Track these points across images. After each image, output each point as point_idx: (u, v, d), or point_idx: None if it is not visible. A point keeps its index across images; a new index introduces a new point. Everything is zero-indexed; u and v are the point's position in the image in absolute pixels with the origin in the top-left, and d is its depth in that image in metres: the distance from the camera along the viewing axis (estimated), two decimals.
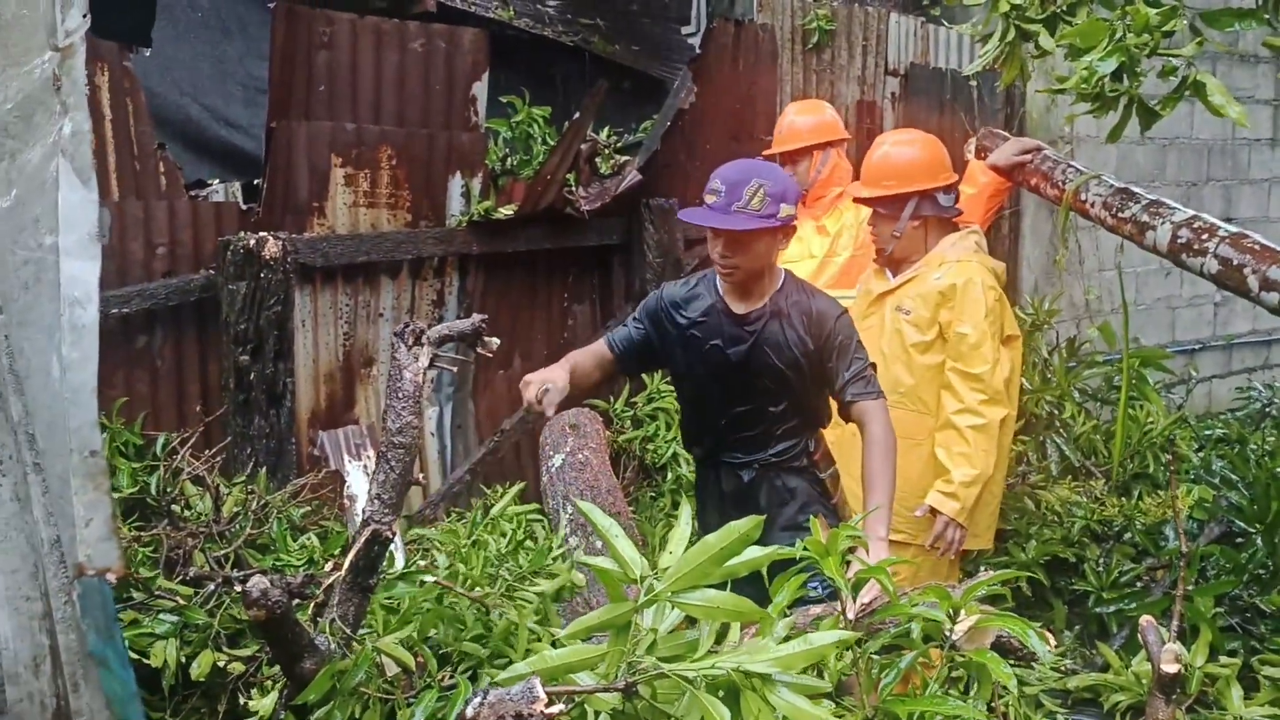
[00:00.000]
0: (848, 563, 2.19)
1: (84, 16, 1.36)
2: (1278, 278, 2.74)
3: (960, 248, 3.42)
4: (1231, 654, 3.14)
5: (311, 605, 3.08)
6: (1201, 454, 4.85)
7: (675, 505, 4.32)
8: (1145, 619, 2.41)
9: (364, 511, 2.34)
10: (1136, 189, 3.42)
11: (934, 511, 3.27)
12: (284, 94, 4.13)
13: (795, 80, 5.50)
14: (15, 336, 1.44)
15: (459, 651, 2.43)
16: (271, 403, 3.94)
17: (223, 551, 3.43)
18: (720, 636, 1.92)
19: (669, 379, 4.81)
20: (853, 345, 2.84)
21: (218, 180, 4.48)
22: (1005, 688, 2.35)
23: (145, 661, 3.03)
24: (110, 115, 3.81)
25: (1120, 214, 3.32)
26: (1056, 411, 4.75)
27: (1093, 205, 3.45)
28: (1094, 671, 3.23)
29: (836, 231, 4.11)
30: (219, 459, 3.76)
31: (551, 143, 4.90)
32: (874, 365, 2.90)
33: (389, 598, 2.69)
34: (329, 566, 3.27)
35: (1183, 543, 2.70)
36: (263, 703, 2.47)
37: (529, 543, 3.65)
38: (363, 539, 2.29)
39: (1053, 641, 2.24)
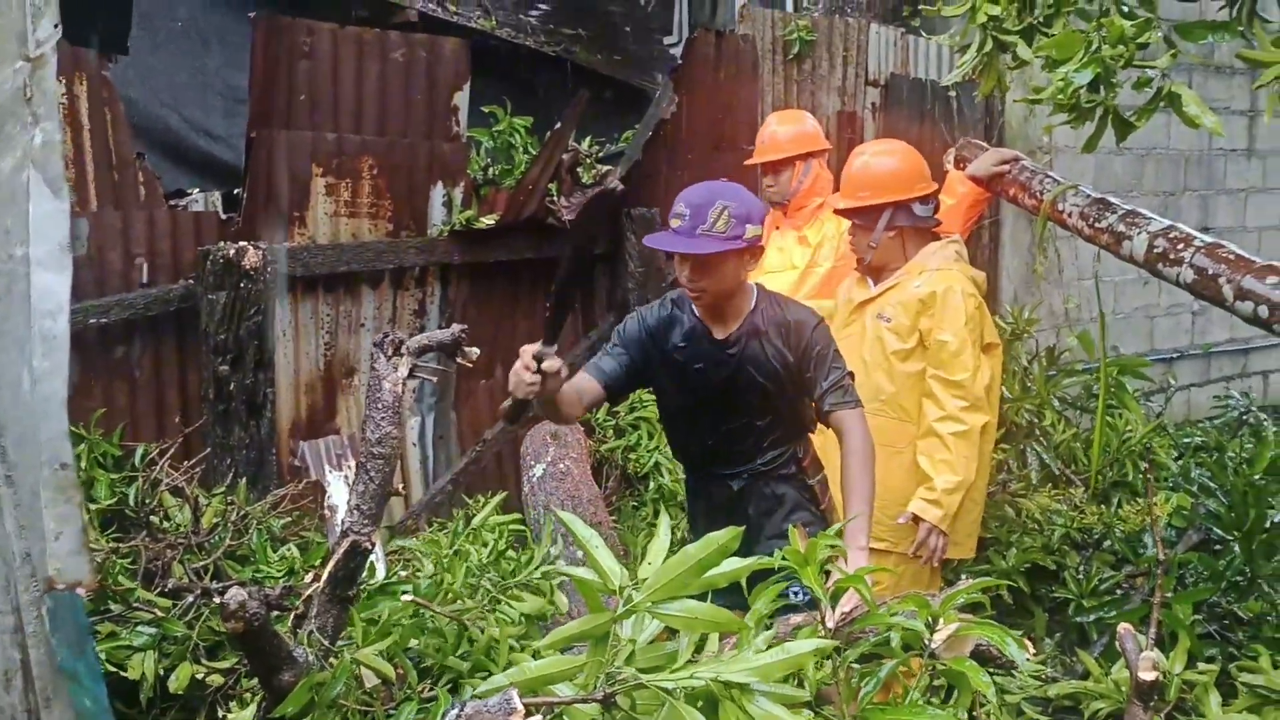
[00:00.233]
0: (827, 572, 2.20)
1: (55, 26, 1.35)
2: (1252, 287, 2.76)
3: (941, 256, 3.44)
4: (1210, 661, 3.15)
5: (291, 617, 3.07)
6: (1180, 462, 4.88)
7: (658, 515, 4.32)
8: (1123, 627, 2.42)
9: (343, 522, 2.33)
10: (1113, 199, 3.44)
11: (916, 519, 3.27)
12: (264, 103, 4.12)
13: (776, 90, 5.52)
14: None
15: (439, 664, 2.42)
16: (251, 413, 3.92)
17: (202, 563, 3.41)
18: (699, 647, 1.92)
19: (651, 391, 4.81)
20: (830, 354, 2.84)
21: (197, 190, 4.46)
22: (991, 698, 2.36)
23: (123, 674, 3.01)
24: (89, 125, 3.80)
25: (1097, 224, 3.34)
26: (1036, 420, 4.77)
27: (1070, 215, 3.47)
28: (1074, 679, 3.24)
29: (818, 242, 4.11)
30: (198, 470, 3.74)
31: (533, 152, 4.91)
32: (852, 374, 2.90)
33: (368, 611, 2.68)
34: (309, 578, 3.26)
35: (1160, 550, 2.71)
36: (241, 715, 2.45)
37: (511, 553, 3.64)
38: (342, 550, 2.28)
39: (1031, 649, 2.25)
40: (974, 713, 2.37)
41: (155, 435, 3.88)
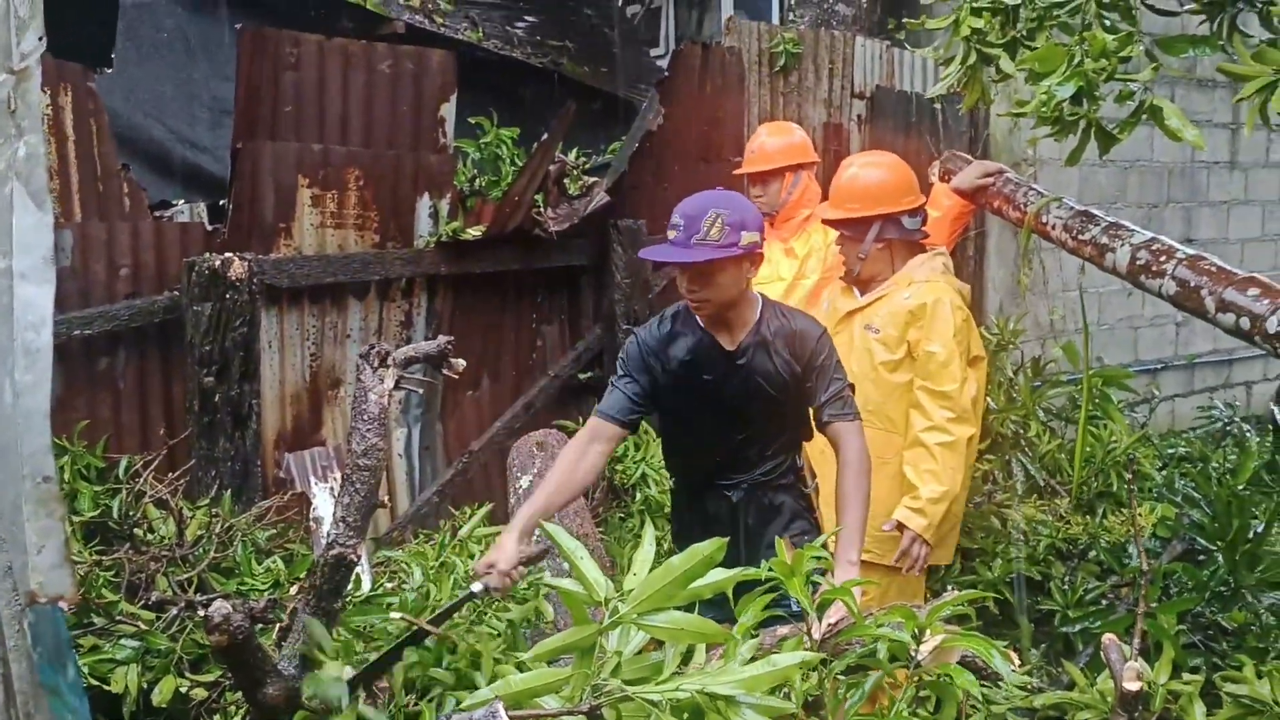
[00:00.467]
0: (815, 584, 2.20)
1: (40, 39, 1.35)
2: (1233, 299, 2.78)
3: (928, 268, 3.45)
4: (1194, 671, 3.16)
5: (276, 629, 3.06)
6: (1164, 472, 4.90)
7: (644, 526, 4.31)
8: (1108, 637, 2.43)
9: (329, 534, 2.32)
10: (1096, 211, 3.47)
11: (901, 527, 3.28)
12: (250, 115, 4.12)
13: (762, 102, 5.54)
14: None
15: (423, 678, 2.40)
16: (237, 425, 3.91)
17: (186, 575, 3.39)
18: (687, 658, 1.92)
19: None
20: (832, 365, 2.85)
21: (182, 201, 4.45)
22: (973, 706, 2.36)
23: (106, 688, 3.00)
24: (73, 136, 3.79)
25: (1080, 236, 3.36)
26: (1022, 430, 4.79)
27: (1054, 228, 3.50)
28: (1060, 690, 3.24)
29: (805, 254, 4.13)
30: (183, 482, 3.73)
31: (520, 164, 4.92)
32: (852, 386, 2.90)
33: (357, 624, 2.67)
34: (294, 590, 3.25)
35: (1143, 560, 2.73)
36: None
37: None
38: (327, 562, 2.27)
39: (1016, 660, 2.26)
40: None
41: (139, 447, 3.86)
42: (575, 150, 5.16)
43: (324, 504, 4.00)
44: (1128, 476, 4.10)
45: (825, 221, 3.60)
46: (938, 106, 6.05)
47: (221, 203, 4.30)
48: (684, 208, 2.73)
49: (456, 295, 4.67)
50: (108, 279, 3.85)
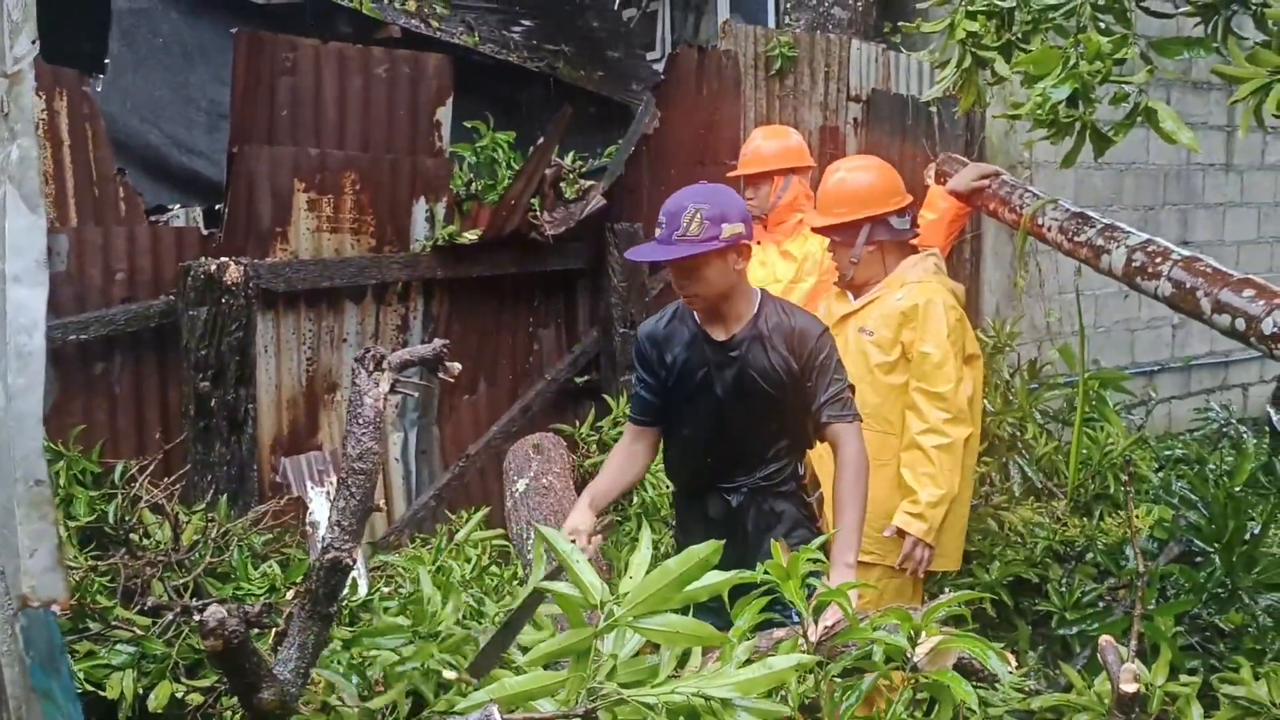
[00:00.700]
0: (812, 588, 2.20)
1: (33, 42, 1.35)
2: (1229, 300, 2.79)
3: (920, 269, 3.46)
4: (1191, 673, 3.16)
5: (273, 634, 3.05)
6: (1161, 474, 4.91)
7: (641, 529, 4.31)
8: (1104, 639, 2.43)
9: (324, 538, 2.31)
10: (1092, 213, 3.47)
11: (901, 532, 3.28)
12: (246, 119, 4.11)
13: (759, 106, 5.55)
14: None
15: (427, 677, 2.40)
16: (233, 429, 3.90)
17: (182, 580, 3.39)
18: (684, 662, 1.91)
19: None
20: (833, 365, 2.83)
21: (179, 206, 4.45)
22: (971, 709, 2.35)
23: (101, 693, 2.99)
24: (69, 141, 3.78)
25: (1076, 238, 3.37)
26: (1018, 433, 4.79)
27: (1049, 229, 3.50)
28: (1057, 692, 3.24)
29: (802, 257, 4.13)
30: (178, 486, 3.72)
31: (516, 167, 4.92)
32: (852, 388, 2.89)
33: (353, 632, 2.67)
34: (290, 595, 3.24)
35: (1140, 562, 2.72)
36: None
37: (494, 568, 3.63)
38: (322, 566, 2.26)
39: (1013, 662, 2.25)
40: None
41: (135, 452, 3.86)
42: (571, 154, 5.16)
43: (320, 508, 3.99)
44: (1124, 478, 4.10)
45: (815, 229, 3.60)
46: (934, 110, 6.06)
47: (217, 207, 4.29)
48: (666, 206, 2.76)
49: (453, 299, 4.66)
50: (103, 283, 3.84)
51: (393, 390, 2.47)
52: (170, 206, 4.45)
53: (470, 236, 4.57)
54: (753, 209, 4.15)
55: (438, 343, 2.51)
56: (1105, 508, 4.52)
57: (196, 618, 2.75)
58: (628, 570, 1.76)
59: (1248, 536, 3.57)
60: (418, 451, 4.65)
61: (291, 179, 4.16)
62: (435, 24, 5.30)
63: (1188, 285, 2.92)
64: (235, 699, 2.52)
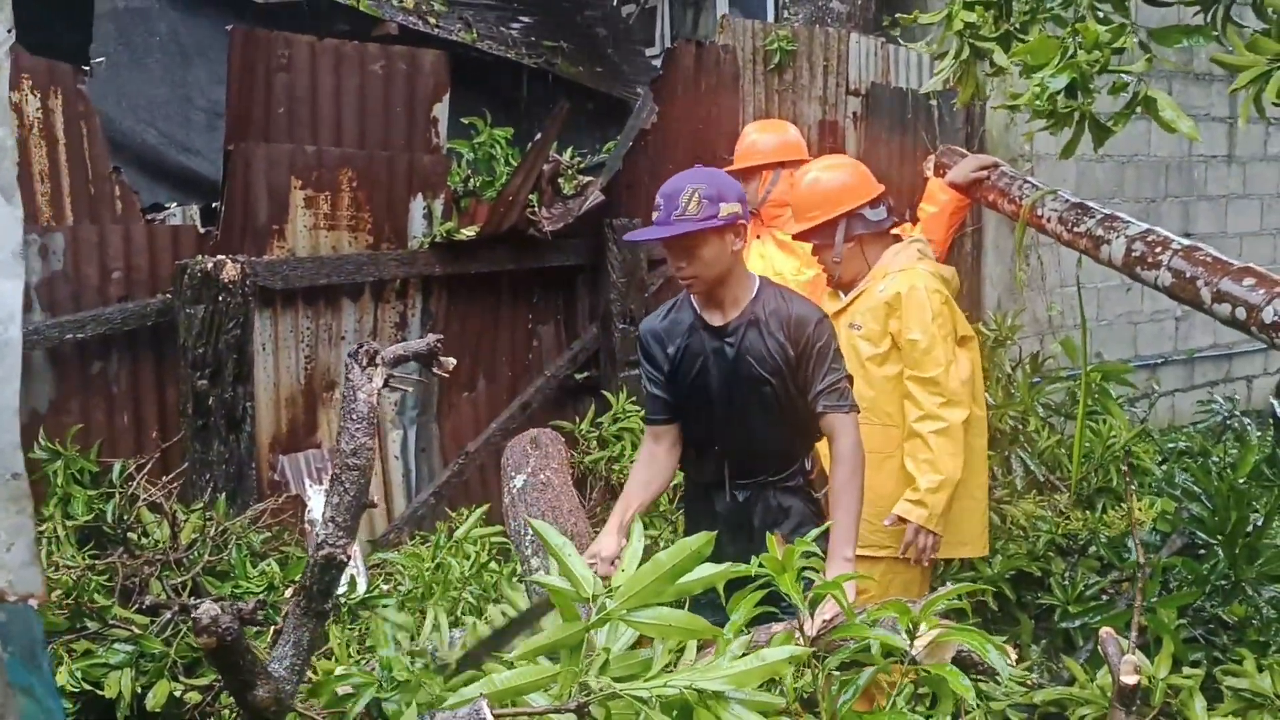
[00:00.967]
0: (810, 581, 2.18)
1: (9, 31, 1.33)
2: (1229, 289, 2.77)
3: (903, 257, 3.45)
4: (1195, 665, 3.14)
5: (272, 632, 3.04)
6: (1164, 467, 4.88)
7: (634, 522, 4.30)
8: (1105, 631, 2.41)
9: (318, 535, 2.30)
10: (1091, 203, 3.45)
11: (904, 520, 3.27)
12: (242, 117, 4.10)
13: (757, 101, 5.52)
14: None
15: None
16: (231, 427, 3.89)
17: (180, 579, 3.38)
18: (681, 654, 1.90)
19: (635, 400, 4.80)
20: (830, 354, 2.82)
21: (175, 204, 4.44)
22: (974, 704, 2.34)
23: (99, 692, 2.98)
24: (64, 139, 3.77)
25: (1075, 228, 3.35)
26: (1021, 426, 4.77)
27: (1049, 220, 3.48)
28: (1060, 685, 3.23)
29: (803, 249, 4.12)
30: (177, 485, 3.72)
31: (514, 164, 4.90)
32: (850, 378, 2.88)
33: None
34: (289, 592, 3.23)
35: (1139, 554, 2.71)
36: None
37: (493, 565, 3.62)
38: (316, 563, 2.25)
39: (1013, 655, 2.24)
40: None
41: (133, 451, 3.85)
42: (570, 150, 5.14)
43: (319, 506, 3.98)
44: (1124, 469, 4.09)
45: (795, 237, 3.61)
46: (934, 103, 6.03)
47: (214, 205, 4.28)
48: (663, 188, 2.78)
49: (451, 296, 4.65)
50: (100, 282, 3.84)
51: (387, 385, 2.45)
52: (167, 205, 4.45)
53: (468, 233, 4.55)
54: None
55: (431, 337, 2.50)
56: (1108, 501, 4.50)
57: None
58: (620, 564, 1.74)
59: (1251, 529, 3.55)
60: (417, 449, 4.63)
61: (288, 176, 4.15)
62: (433, 21, 5.30)
63: (1188, 274, 2.90)
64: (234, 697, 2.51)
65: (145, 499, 3.58)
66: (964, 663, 2.30)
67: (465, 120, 5.07)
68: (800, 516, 2.92)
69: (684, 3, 6.96)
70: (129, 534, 3.46)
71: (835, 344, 2.86)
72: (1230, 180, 7.60)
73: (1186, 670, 3.00)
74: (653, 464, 2.97)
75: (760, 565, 1.97)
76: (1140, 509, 4.18)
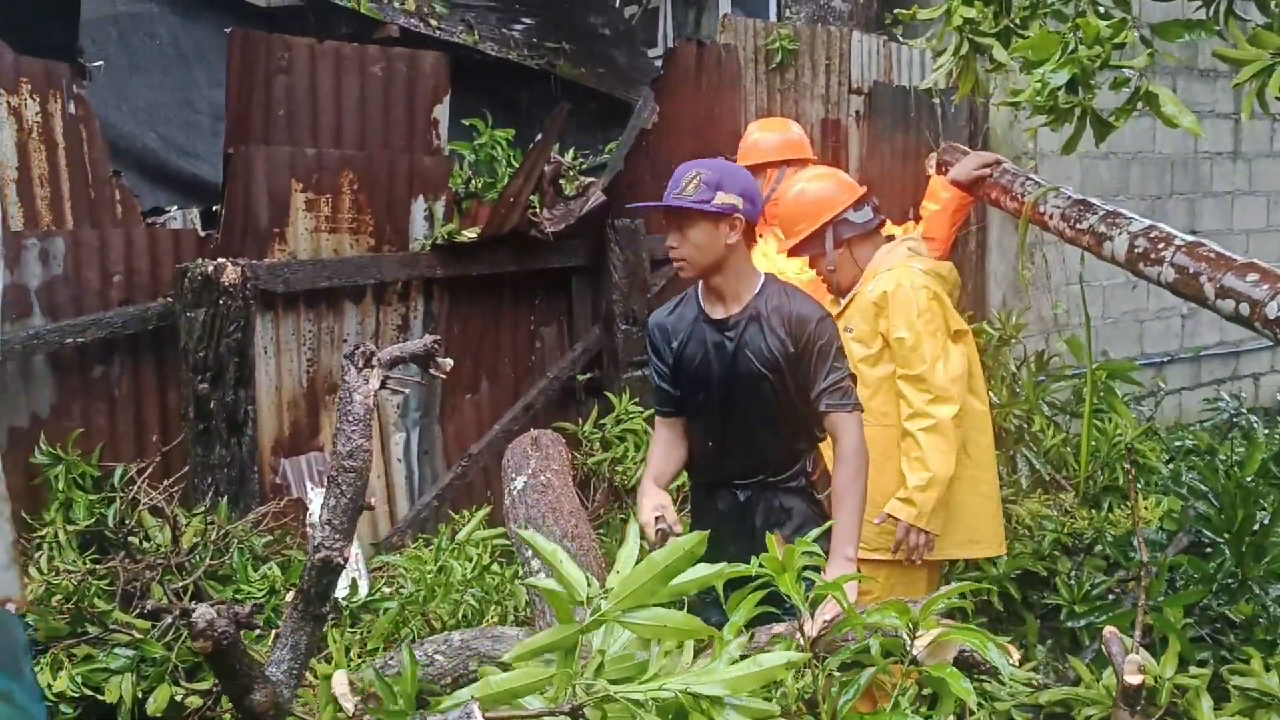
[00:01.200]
0: (810, 581, 2.16)
1: None
2: (1233, 285, 2.74)
3: (894, 255, 3.45)
4: (1201, 664, 3.12)
5: (273, 635, 3.03)
6: (1171, 465, 4.86)
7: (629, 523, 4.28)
8: (1109, 630, 2.39)
9: (314, 538, 2.29)
10: (1094, 200, 3.43)
11: (894, 519, 3.25)
12: (242, 119, 4.10)
13: (759, 100, 5.51)
14: None
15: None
16: (232, 431, 3.88)
17: (181, 583, 3.38)
18: (680, 654, 1.88)
19: (638, 401, 4.79)
20: (832, 352, 2.81)
21: (176, 207, 4.44)
22: (979, 703, 2.32)
23: (100, 697, 2.98)
24: (64, 143, 3.77)
25: (1078, 225, 3.32)
26: (1026, 425, 4.75)
27: (1051, 217, 3.45)
28: (1066, 685, 3.21)
29: None
30: (178, 489, 3.71)
31: (516, 165, 4.89)
32: (853, 376, 2.87)
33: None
34: (290, 596, 3.22)
35: (1142, 553, 2.69)
36: None
37: (495, 567, 3.61)
38: (313, 566, 2.24)
39: (1014, 655, 2.22)
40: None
41: (134, 455, 3.84)
42: (572, 151, 5.13)
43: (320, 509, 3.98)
44: (1127, 468, 4.07)
45: (790, 253, 3.61)
46: (936, 100, 6.01)
47: (215, 208, 4.28)
48: (675, 173, 2.85)
49: (453, 298, 4.64)
50: (101, 286, 3.83)
51: (384, 387, 2.44)
52: (168, 209, 4.45)
53: (470, 235, 4.54)
54: None
55: (428, 338, 2.49)
56: (1114, 499, 4.48)
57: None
58: (615, 564, 1.73)
59: (1258, 527, 3.53)
60: (420, 451, 4.62)
61: (289, 179, 4.14)
62: (434, 23, 5.29)
63: (1191, 270, 2.87)
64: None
65: (146, 503, 3.58)
66: (967, 663, 2.28)
67: (466, 122, 5.06)
68: (802, 518, 2.90)
69: (686, 2, 6.95)
70: (130, 538, 3.46)
71: (838, 343, 2.85)
72: (1236, 177, 7.56)
73: (1193, 669, 2.98)
74: (670, 448, 3.02)
75: (760, 565, 1.95)
76: (1146, 507, 4.16)
